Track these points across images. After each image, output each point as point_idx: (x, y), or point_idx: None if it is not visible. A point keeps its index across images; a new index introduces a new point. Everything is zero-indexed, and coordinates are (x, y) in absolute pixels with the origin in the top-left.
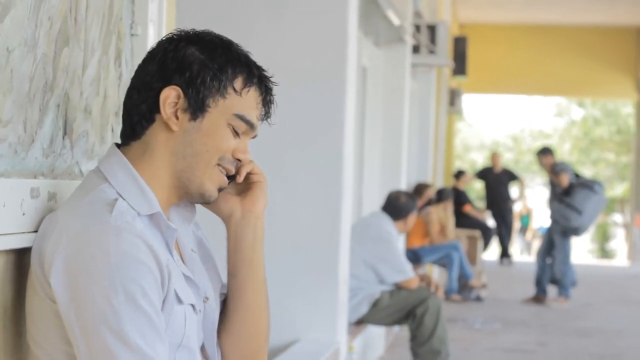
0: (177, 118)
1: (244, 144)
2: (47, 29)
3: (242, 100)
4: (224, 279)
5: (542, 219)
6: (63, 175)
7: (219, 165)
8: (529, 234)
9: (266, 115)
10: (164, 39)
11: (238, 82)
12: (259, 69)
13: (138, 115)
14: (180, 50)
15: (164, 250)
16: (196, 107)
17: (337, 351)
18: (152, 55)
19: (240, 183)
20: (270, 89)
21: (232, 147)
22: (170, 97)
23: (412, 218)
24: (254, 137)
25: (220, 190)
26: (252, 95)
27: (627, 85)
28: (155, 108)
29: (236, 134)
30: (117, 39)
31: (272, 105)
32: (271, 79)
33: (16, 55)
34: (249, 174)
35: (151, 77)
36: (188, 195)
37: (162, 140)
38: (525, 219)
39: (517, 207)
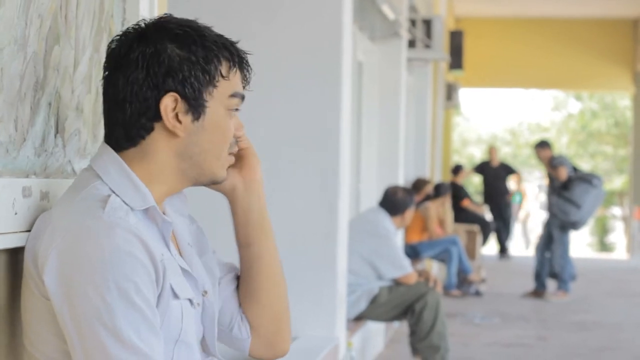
0: (180, 122)
1: (238, 120)
2: (37, 27)
3: (230, 82)
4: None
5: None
6: (55, 174)
7: (229, 153)
8: (522, 213)
9: (247, 80)
10: (128, 41)
11: (224, 68)
12: (232, 44)
13: (137, 128)
14: (161, 53)
15: (160, 245)
16: (196, 106)
17: (336, 347)
18: (127, 61)
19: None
20: (245, 57)
21: (233, 130)
22: (170, 105)
23: (410, 213)
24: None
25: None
26: (236, 74)
27: (624, 78)
28: (155, 118)
29: (232, 112)
30: (108, 37)
31: (250, 70)
32: (237, 45)
33: (6, 54)
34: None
35: (140, 87)
36: (197, 184)
37: (164, 145)
38: (518, 195)
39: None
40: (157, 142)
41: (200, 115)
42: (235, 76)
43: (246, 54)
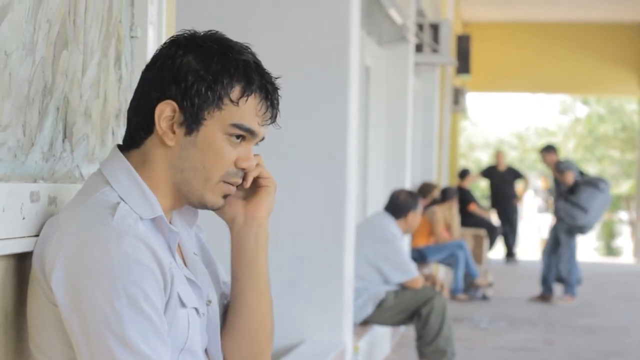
0: (173, 132)
1: (247, 151)
2: (45, 31)
3: (239, 109)
4: (228, 281)
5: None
6: (63, 179)
7: (224, 182)
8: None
9: (271, 119)
10: (166, 43)
11: (235, 92)
12: (261, 74)
13: (136, 126)
14: (177, 58)
15: (166, 254)
16: (191, 121)
17: (342, 352)
18: (153, 61)
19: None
20: (273, 94)
21: (233, 158)
22: (165, 111)
23: (414, 216)
24: (261, 141)
25: (226, 197)
26: (251, 103)
27: (632, 82)
28: (152, 120)
29: (236, 141)
30: (116, 42)
31: (276, 109)
32: (275, 80)
33: (14, 59)
34: (257, 178)
35: (150, 86)
36: (190, 204)
37: (160, 153)
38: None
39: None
40: (154, 150)
41: (194, 131)
42: (248, 106)
43: (276, 89)
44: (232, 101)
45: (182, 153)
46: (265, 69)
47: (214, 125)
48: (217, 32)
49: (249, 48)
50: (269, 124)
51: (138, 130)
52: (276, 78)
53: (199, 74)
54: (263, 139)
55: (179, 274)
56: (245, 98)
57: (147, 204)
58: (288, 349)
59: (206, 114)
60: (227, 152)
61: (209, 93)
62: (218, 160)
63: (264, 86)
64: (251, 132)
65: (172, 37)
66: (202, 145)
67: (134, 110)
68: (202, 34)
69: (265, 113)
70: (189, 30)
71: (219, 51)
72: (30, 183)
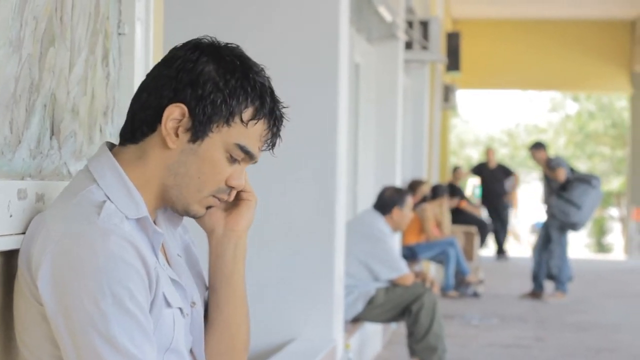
0: (177, 136)
1: (240, 171)
2: (32, 28)
3: (246, 131)
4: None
5: (537, 214)
6: (51, 176)
7: (213, 196)
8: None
9: (270, 147)
10: (189, 44)
11: (247, 113)
12: (274, 100)
13: (141, 120)
14: (199, 65)
15: (150, 254)
16: (199, 129)
17: (333, 349)
18: (171, 59)
19: None
20: (280, 122)
21: (226, 175)
22: (174, 113)
23: (399, 213)
24: (253, 163)
25: (208, 208)
26: (258, 127)
27: (621, 79)
28: (159, 118)
29: (233, 160)
30: (104, 38)
31: (277, 138)
32: (284, 110)
33: (1, 56)
34: (239, 192)
35: (164, 84)
36: (173, 209)
37: (158, 153)
38: (479, 189)
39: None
40: (153, 148)
41: (197, 140)
42: (255, 130)
43: (283, 118)
44: (242, 121)
45: (180, 158)
46: (277, 96)
47: (219, 139)
48: (238, 46)
49: (265, 70)
50: (267, 150)
51: (141, 125)
52: (285, 107)
53: (217, 85)
54: (256, 162)
55: (163, 274)
56: (255, 121)
57: (132, 203)
58: (279, 347)
59: (214, 127)
60: (224, 168)
61: (222, 106)
62: (215, 175)
63: (273, 112)
64: (250, 156)
65: (196, 40)
66: (203, 156)
67: (142, 105)
68: (223, 44)
69: (268, 140)
70: (211, 37)
71: (240, 68)
72: (17, 180)
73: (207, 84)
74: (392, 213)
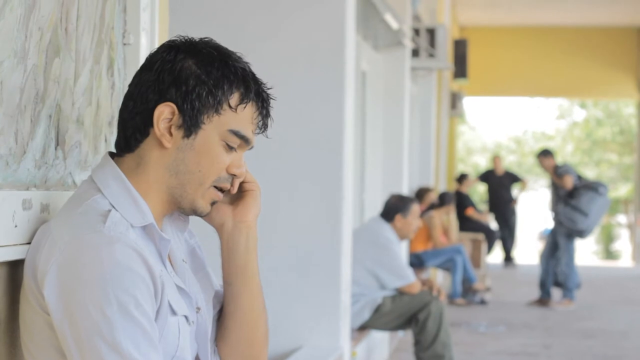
0: (170, 134)
1: (238, 158)
2: (37, 39)
3: (237, 116)
4: (219, 286)
5: (545, 221)
6: (56, 186)
7: (214, 187)
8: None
9: (262, 128)
10: (164, 46)
11: (234, 98)
12: (257, 82)
13: (132, 128)
14: (178, 62)
15: (157, 262)
16: (190, 124)
17: (340, 357)
18: (150, 63)
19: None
20: (267, 103)
21: (226, 164)
22: (164, 113)
23: (402, 220)
24: (250, 149)
25: (213, 204)
26: (248, 111)
27: (629, 86)
28: (149, 122)
29: (230, 148)
30: (109, 49)
31: (268, 118)
32: (269, 91)
33: (6, 67)
34: (242, 183)
35: (147, 88)
36: (180, 209)
37: (156, 155)
38: None
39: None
40: (150, 152)
41: (192, 134)
42: (245, 113)
43: (270, 98)
44: (230, 107)
45: (178, 155)
46: (260, 79)
47: (212, 129)
48: (211, 39)
49: (243, 57)
50: (261, 133)
51: (134, 132)
52: (269, 88)
53: (200, 78)
54: (252, 147)
55: (169, 281)
56: (244, 105)
57: (137, 211)
58: (286, 355)
59: (205, 118)
60: (222, 157)
61: (209, 98)
62: (214, 165)
63: (260, 94)
64: (246, 140)
65: (169, 41)
66: (200, 148)
67: (130, 113)
68: (197, 40)
69: (260, 121)
70: (184, 36)
71: (219, 58)
72: (22, 191)
73: (190, 79)
74: (394, 220)
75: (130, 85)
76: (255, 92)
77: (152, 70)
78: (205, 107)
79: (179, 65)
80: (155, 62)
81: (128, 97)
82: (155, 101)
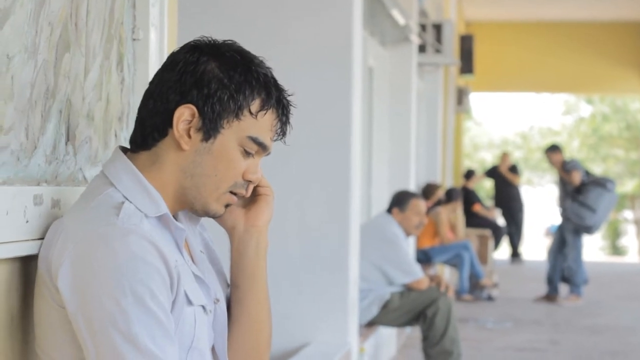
0: (189, 137)
1: (255, 164)
2: (47, 34)
3: (257, 122)
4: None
5: (551, 217)
6: (67, 181)
7: (230, 192)
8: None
9: (281, 135)
10: (187, 46)
11: (255, 105)
12: (278, 89)
13: (151, 127)
14: (201, 64)
15: (174, 251)
16: (210, 127)
17: (348, 353)
18: (172, 63)
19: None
20: (288, 110)
21: (242, 169)
22: (184, 115)
23: (399, 214)
24: (267, 155)
25: (227, 206)
26: (268, 118)
27: (635, 81)
28: (169, 122)
29: (247, 154)
30: (118, 44)
31: (287, 126)
32: (290, 98)
33: (17, 62)
34: (256, 187)
35: (169, 88)
36: (192, 210)
37: (173, 156)
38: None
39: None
40: (167, 152)
41: (210, 138)
42: (265, 120)
43: (290, 105)
44: (251, 113)
45: (195, 158)
46: (281, 85)
47: (231, 134)
48: (234, 42)
49: (264, 61)
50: (279, 139)
51: (153, 131)
52: (290, 95)
53: (222, 82)
54: (269, 153)
55: (186, 271)
56: (264, 112)
57: (151, 202)
58: (294, 351)
59: (225, 123)
60: (239, 162)
61: (230, 102)
62: (230, 170)
63: (280, 101)
64: (264, 147)
65: (193, 41)
66: (217, 153)
67: (150, 112)
68: (221, 42)
69: (278, 129)
70: (207, 37)
71: (242, 62)
72: (33, 186)
73: (212, 82)
74: (392, 214)
75: (150, 84)
76: (277, 99)
77: (174, 71)
78: (226, 111)
79: (202, 68)
80: (178, 63)
81: (148, 95)
82: (176, 102)
